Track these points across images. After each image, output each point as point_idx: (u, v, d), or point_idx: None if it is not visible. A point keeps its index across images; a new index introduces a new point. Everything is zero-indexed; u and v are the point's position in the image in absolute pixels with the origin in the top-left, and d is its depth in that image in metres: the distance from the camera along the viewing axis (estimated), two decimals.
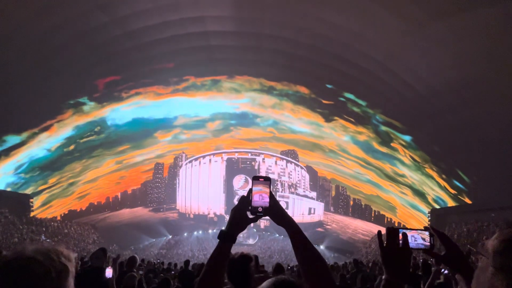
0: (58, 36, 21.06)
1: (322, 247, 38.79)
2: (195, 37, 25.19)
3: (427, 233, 1.07)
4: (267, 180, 1.14)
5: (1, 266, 0.74)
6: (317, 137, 39.81)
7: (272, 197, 1.11)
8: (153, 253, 34.20)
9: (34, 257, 0.75)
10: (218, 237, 1.08)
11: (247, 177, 42.02)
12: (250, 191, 1.12)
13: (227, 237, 1.07)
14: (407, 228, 1.07)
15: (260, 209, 1.09)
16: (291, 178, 45.46)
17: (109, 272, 3.08)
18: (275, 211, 1.11)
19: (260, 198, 1.11)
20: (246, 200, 1.11)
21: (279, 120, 39.44)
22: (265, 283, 0.80)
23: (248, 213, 1.11)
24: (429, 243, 1.06)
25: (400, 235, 1.03)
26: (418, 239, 1.06)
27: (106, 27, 22.21)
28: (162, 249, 36.50)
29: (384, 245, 1.01)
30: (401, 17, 19.48)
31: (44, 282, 0.74)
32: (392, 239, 1.01)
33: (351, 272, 6.78)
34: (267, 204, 1.10)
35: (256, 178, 1.14)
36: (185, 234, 41.12)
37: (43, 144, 29.56)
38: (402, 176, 35.44)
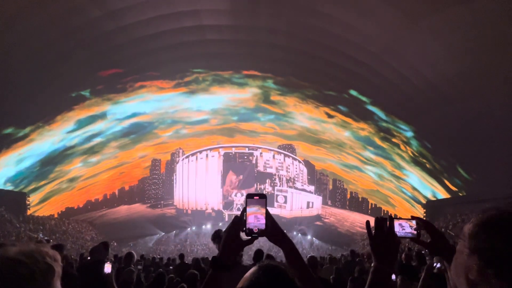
0: (55, 30, 20.79)
1: (320, 240, 39.23)
2: (191, 31, 24.93)
3: (414, 221, 1.10)
4: (262, 198, 1.05)
5: None
6: (318, 132, 39.95)
7: (268, 217, 1.03)
8: (152, 248, 34.35)
9: (17, 259, 0.73)
10: (210, 265, 1.00)
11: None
12: (244, 210, 1.04)
13: (219, 264, 0.98)
14: (395, 218, 1.09)
15: (255, 230, 1.01)
16: (289, 172, 45.64)
17: (107, 267, 3.10)
18: (272, 232, 1.04)
19: (256, 219, 1.02)
20: (239, 221, 1.03)
21: (281, 116, 39.45)
22: (251, 270, 0.79)
23: (243, 234, 1.02)
24: (416, 232, 1.09)
25: (386, 223, 1.06)
26: (406, 227, 1.09)
27: (101, 22, 21.90)
28: (160, 245, 36.67)
29: (373, 234, 1.05)
30: (397, 9, 19.41)
31: (29, 284, 0.72)
32: (380, 228, 1.04)
33: (345, 261, 6.87)
34: (263, 226, 1.02)
35: (250, 196, 1.04)
36: (183, 229, 41.30)
37: (45, 138, 29.27)
38: (402, 170, 35.75)
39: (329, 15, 21.51)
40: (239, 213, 1.06)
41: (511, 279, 0.60)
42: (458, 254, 0.73)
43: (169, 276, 4.77)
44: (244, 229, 1.02)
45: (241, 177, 43.54)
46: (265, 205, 1.04)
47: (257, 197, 1.05)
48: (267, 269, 0.77)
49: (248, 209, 1.03)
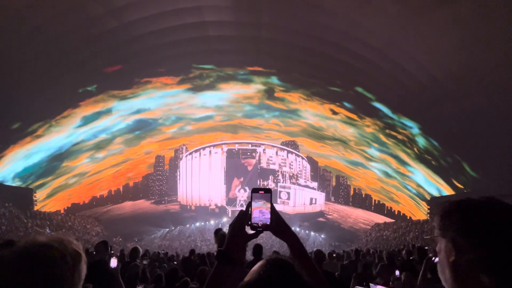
0: (59, 28, 20.90)
1: (323, 236, 39.31)
2: (194, 27, 24.87)
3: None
4: (267, 192, 1.06)
5: (19, 251, 0.76)
6: (323, 129, 39.80)
7: (273, 211, 1.04)
8: (156, 244, 34.71)
9: (49, 244, 0.79)
10: (216, 258, 1.01)
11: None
12: (249, 205, 1.05)
13: (224, 257, 1.00)
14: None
15: (260, 224, 1.03)
16: (292, 168, 45.60)
17: (113, 262, 3.12)
18: (277, 227, 1.06)
19: (261, 214, 1.03)
20: (244, 215, 1.04)
21: (285, 112, 39.30)
22: (259, 263, 0.79)
23: (248, 228, 1.03)
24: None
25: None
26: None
27: (104, 19, 21.96)
28: (165, 240, 37.04)
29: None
30: (401, 4, 19.11)
31: (62, 266, 0.78)
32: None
33: (350, 260, 6.90)
34: (268, 221, 1.03)
35: (255, 191, 1.05)
36: (187, 225, 41.63)
37: (52, 134, 29.59)
38: (407, 167, 35.48)
39: (332, 10, 21.28)
40: (242, 208, 1.07)
41: (482, 245, 0.71)
42: (438, 254, 0.81)
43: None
44: (249, 223, 1.03)
45: (242, 179, 43.65)
46: (270, 200, 1.05)
47: (262, 192, 1.05)
48: (276, 263, 0.77)
49: (253, 204, 1.04)
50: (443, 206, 0.82)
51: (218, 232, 3.10)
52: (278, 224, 1.06)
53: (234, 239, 1.02)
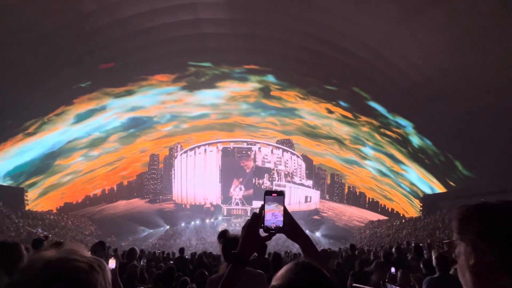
0: (49, 24, 20.52)
1: (318, 234, 39.57)
2: (188, 24, 24.68)
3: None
4: (280, 195, 1.06)
5: (46, 263, 0.70)
6: (319, 127, 39.99)
7: (286, 214, 1.05)
8: (151, 243, 34.50)
9: (66, 256, 0.74)
10: (229, 260, 1.03)
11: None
12: (262, 207, 1.05)
13: (239, 259, 1.02)
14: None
15: (273, 226, 1.04)
16: (287, 167, 45.72)
17: (112, 263, 3.09)
18: (290, 229, 1.07)
19: (273, 216, 1.04)
20: (258, 217, 1.05)
21: (281, 111, 39.36)
22: (287, 267, 0.79)
23: (261, 231, 1.04)
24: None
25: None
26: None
27: (98, 15, 21.64)
28: (160, 240, 36.82)
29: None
30: (396, 3, 19.26)
31: (92, 273, 0.74)
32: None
33: (346, 256, 6.95)
34: (281, 223, 1.04)
35: (268, 193, 1.06)
36: (182, 224, 41.44)
37: (45, 132, 29.16)
38: (401, 166, 35.90)
39: (328, 8, 21.33)
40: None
41: (502, 248, 0.72)
42: (458, 258, 0.82)
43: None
44: (262, 225, 1.04)
45: (241, 180, 43.56)
46: (282, 203, 1.06)
47: (275, 194, 1.06)
48: (305, 268, 0.77)
49: (266, 206, 1.05)
50: (461, 210, 0.82)
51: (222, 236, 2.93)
52: (291, 227, 1.07)
53: (248, 242, 1.04)
